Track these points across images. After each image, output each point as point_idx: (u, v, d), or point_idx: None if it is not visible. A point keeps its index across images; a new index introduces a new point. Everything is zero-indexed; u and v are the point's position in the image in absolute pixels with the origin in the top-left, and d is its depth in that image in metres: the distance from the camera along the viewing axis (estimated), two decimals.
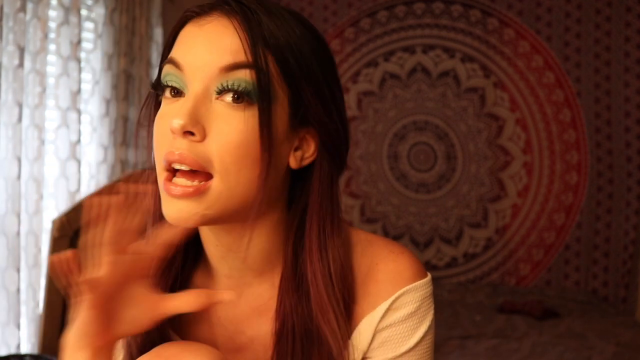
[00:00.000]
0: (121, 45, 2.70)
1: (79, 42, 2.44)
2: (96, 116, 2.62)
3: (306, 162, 0.72)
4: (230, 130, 0.64)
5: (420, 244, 3.34)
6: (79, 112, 2.45)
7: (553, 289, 3.13)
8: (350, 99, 3.38)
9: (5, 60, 2.10)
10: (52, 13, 2.36)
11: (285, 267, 0.73)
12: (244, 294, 0.76)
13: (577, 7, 3.17)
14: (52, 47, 2.37)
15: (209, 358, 0.64)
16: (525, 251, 3.24)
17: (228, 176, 0.65)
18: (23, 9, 2.14)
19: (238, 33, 0.65)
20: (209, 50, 0.65)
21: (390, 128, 3.36)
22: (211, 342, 0.75)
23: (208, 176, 0.65)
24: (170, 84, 0.67)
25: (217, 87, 0.65)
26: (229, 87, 0.65)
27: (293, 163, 0.71)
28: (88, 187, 2.60)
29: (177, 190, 0.64)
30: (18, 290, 2.16)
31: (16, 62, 2.12)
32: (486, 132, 3.26)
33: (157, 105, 0.72)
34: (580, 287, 3.18)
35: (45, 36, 2.26)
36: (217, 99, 0.65)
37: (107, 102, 2.64)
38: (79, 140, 2.44)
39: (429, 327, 0.75)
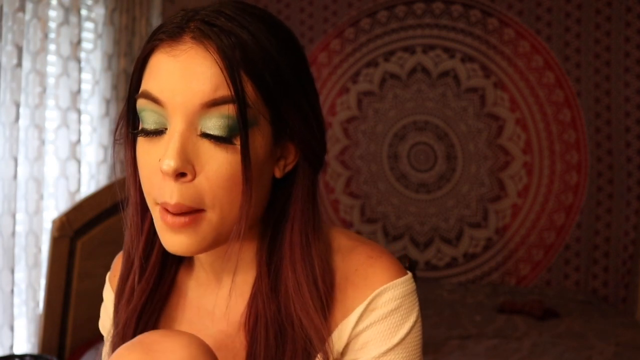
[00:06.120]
0: (121, 45, 2.70)
1: (79, 42, 2.44)
2: (96, 116, 2.62)
3: (288, 168, 0.73)
4: (219, 164, 0.65)
5: (420, 244, 3.34)
6: (79, 112, 2.45)
7: (553, 289, 3.13)
8: (350, 99, 3.38)
9: (3, 60, 2.10)
10: (52, 13, 2.36)
11: (260, 266, 0.73)
12: (224, 294, 0.77)
13: (577, 7, 3.17)
14: (52, 47, 2.37)
15: (189, 343, 0.65)
16: (525, 251, 3.24)
17: (221, 206, 0.67)
18: (22, 8, 2.14)
19: (217, 63, 0.64)
20: (188, 86, 0.64)
21: (391, 128, 3.36)
22: None
23: (202, 209, 0.67)
24: (152, 127, 0.67)
25: (200, 130, 0.65)
26: (211, 134, 0.65)
27: (278, 173, 0.72)
28: (88, 187, 2.60)
29: (174, 221, 0.66)
30: (12, 291, 2.16)
31: (14, 61, 2.12)
32: (486, 132, 3.26)
33: (133, 120, 0.71)
34: (580, 287, 3.18)
35: (45, 36, 2.26)
36: (201, 136, 0.66)
37: (107, 102, 2.64)
38: (79, 140, 2.44)
39: (414, 324, 0.74)
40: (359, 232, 3.38)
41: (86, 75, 2.59)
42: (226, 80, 0.64)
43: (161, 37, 0.67)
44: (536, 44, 3.20)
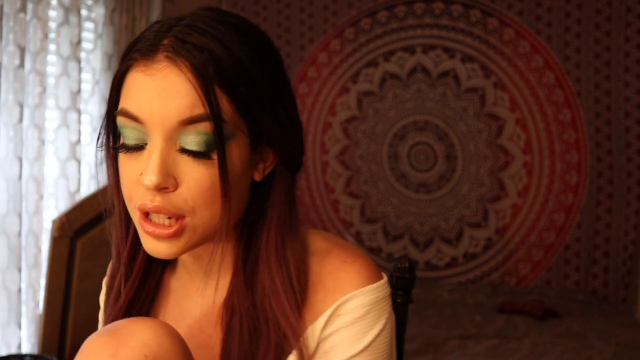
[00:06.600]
0: (121, 45, 2.70)
1: (79, 42, 2.44)
2: (96, 116, 2.62)
3: (267, 171, 0.75)
4: (199, 176, 0.68)
5: (420, 244, 3.34)
6: (79, 112, 2.45)
7: (553, 289, 3.13)
8: (350, 99, 3.38)
9: (5, 60, 2.10)
10: (52, 13, 2.36)
11: (237, 265, 0.75)
12: (205, 295, 0.79)
13: (577, 7, 3.17)
14: (52, 47, 2.37)
15: (155, 326, 0.66)
16: (525, 251, 3.24)
17: (202, 213, 0.69)
18: (23, 9, 2.14)
19: (191, 81, 0.66)
20: (165, 104, 0.66)
21: (391, 128, 3.36)
22: None
23: (182, 216, 0.69)
24: (132, 143, 0.69)
25: (179, 145, 0.67)
26: (190, 149, 0.67)
27: (257, 177, 0.74)
28: (88, 187, 2.60)
29: (156, 232, 0.69)
30: (19, 290, 2.16)
31: (17, 62, 2.12)
32: (486, 132, 3.26)
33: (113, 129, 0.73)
34: (580, 287, 3.18)
35: (45, 36, 2.26)
36: (180, 151, 0.68)
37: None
38: (79, 140, 2.44)
39: (381, 332, 0.73)
40: (358, 232, 3.39)
41: (86, 75, 2.59)
42: (201, 99, 0.66)
43: (135, 56, 0.68)
44: (536, 44, 3.20)
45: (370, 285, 0.74)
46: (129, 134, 0.69)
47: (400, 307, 0.92)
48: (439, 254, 3.33)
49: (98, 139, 0.75)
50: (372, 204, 3.38)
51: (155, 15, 2.93)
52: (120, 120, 0.69)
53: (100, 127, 0.75)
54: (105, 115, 0.74)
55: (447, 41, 3.30)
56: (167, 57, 0.67)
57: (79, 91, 2.44)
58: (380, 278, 0.75)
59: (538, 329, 2.46)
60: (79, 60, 2.43)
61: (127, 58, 0.70)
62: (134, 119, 0.68)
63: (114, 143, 0.74)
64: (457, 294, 3.01)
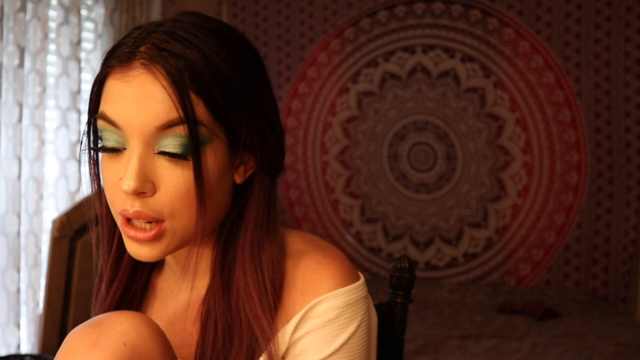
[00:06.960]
0: None
1: (79, 42, 2.44)
2: None
3: (248, 173, 0.76)
4: (177, 181, 0.69)
5: (420, 244, 3.34)
6: (79, 112, 2.45)
7: (553, 289, 3.13)
8: (350, 99, 3.38)
9: (5, 60, 2.10)
10: (52, 13, 2.36)
11: (215, 265, 0.77)
12: (187, 295, 0.81)
13: (577, 7, 3.17)
14: (52, 47, 2.37)
15: (133, 317, 0.68)
16: (525, 251, 3.24)
17: (181, 217, 0.70)
18: (23, 8, 2.14)
19: (166, 89, 0.67)
20: (142, 111, 0.67)
21: (391, 128, 3.36)
22: None
23: (162, 220, 0.70)
24: (111, 145, 0.70)
25: (157, 149, 0.69)
26: (167, 151, 0.68)
27: (238, 179, 0.75)
28: (88, 187, 2.59)
29: (137, 236, 0.70)
30: (18, 290, 2.16)
31: (16, 62, 2.12)
32: (486, 132, 3.26)
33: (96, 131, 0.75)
34: (580, 287, 3.18)
35: (45, 36, 2.26)
36: (157, 154, 0.69)
37: None
38: (79, 140, 2.44)
39: (353, 334, 0.73)
40: (358, 232, 3.39)
41: (86, 75, 2.59)
42: (175, 105, 0.67)
43: (113, 63, 0.69)
44: (536, 44, 3.20)
45: (344, 288, 0.73)
46: (108, 137, 0.70)
47: (400, 307, 0.92)
48: (439, 254, 3.33)
49: (81, 142, 0.77)
50: (372, 204, 3.38)
51: (155, 15, 2.93)
52: (101, 124, 0.71)
53: (83, 131, 0.76)
54: (87, 119, 0.75)
55: (447, 41, 3.29)
56: (143, 64, 0.68)
57: (79, 91, 2.44)
58: (356, 280, 0.75)
59: (538, 329, 2.46)
60: (79, 60, 2.43)
61: (105, 65, 0.71)
62: (112, 123, 0.69)
63: (94, 145, 0.75)
64: (457, 294, 3.01)
